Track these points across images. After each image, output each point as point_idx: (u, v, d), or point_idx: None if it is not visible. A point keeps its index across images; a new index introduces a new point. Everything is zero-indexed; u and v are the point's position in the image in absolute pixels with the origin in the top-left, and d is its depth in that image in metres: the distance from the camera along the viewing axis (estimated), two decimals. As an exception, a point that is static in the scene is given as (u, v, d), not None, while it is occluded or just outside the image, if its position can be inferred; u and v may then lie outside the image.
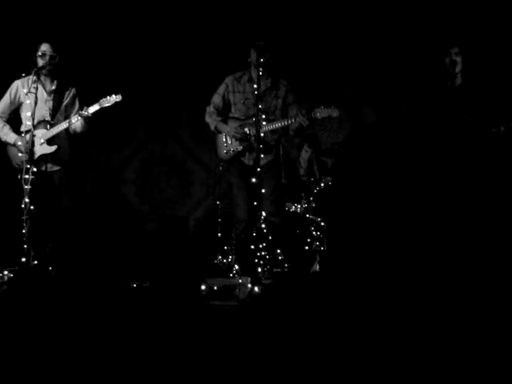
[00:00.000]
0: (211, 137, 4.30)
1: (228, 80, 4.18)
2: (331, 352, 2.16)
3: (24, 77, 4.26)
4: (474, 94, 3.94)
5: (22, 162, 3.97)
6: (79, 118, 4.14)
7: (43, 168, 4.17)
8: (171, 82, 6.61)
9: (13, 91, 4.25)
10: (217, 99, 4.21)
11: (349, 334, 2.27)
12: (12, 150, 4.23)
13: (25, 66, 4.20)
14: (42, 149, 4.15)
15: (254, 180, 3.68)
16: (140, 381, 2.08)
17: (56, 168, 4.27)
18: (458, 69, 3.93)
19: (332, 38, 6.22)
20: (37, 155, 4.12)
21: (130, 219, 5.63)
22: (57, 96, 4.27)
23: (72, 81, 4.42)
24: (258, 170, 3.66)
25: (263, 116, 3.81)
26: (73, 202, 4.46)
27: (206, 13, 6.33)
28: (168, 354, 2.29)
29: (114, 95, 4.14)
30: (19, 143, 4.13)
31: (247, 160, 4.06)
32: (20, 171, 3.97)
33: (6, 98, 4.27)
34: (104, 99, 4.15)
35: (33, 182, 3.92)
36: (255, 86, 3.79)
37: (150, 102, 6.65)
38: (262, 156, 3.78)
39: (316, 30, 6.21)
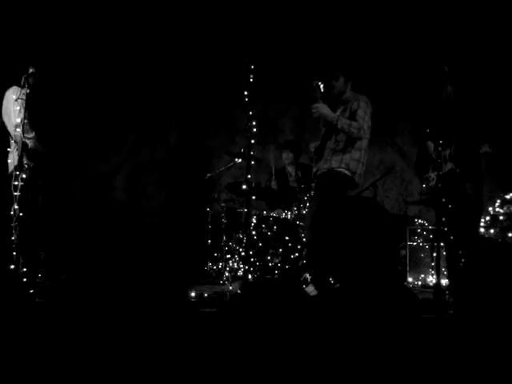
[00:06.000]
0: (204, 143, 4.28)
1: None
2: (313, 353, 2.17)
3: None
4: (467, 114, 4.14)
5: None
6: None
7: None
8: (160, 88, 6.63)
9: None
10: None
11: (330, 337, 2.28)
12: None
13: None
14: None
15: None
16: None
17: None
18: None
19: (327, 44, 6.25)
20: None
21: (119, 225, 5.62)
22: None
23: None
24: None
25: None
26: (63, 209, 4.48)
27: (193, 22, 6.38)
28: (155, 360, 2.30)
29: None
30: None
31: None
32: None
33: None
34: None
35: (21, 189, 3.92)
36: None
37: (140, 108, 6.66)
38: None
39: (312, 36, 6.24)
